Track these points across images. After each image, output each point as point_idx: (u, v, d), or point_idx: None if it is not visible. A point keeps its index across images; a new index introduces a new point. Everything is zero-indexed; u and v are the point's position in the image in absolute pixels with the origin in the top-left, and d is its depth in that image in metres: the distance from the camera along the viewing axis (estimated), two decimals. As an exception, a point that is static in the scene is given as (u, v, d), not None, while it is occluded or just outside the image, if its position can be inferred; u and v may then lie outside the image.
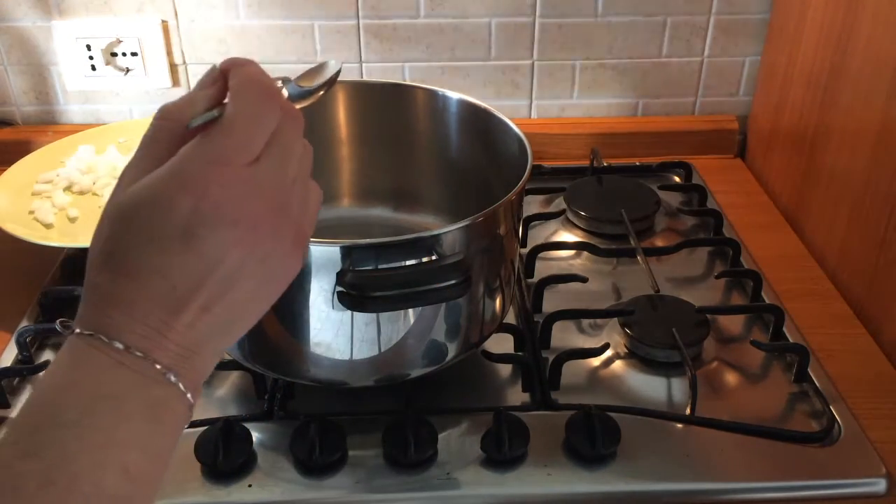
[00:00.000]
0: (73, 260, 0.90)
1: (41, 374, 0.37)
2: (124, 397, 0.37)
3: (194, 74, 1.12)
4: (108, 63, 1.10)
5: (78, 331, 0.38)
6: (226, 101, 0.42)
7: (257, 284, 0.41)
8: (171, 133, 0.41)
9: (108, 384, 0.37)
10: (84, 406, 0.36)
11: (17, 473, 0.34)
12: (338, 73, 0.49)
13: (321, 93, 0.48)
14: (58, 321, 0.76)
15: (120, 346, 0.37)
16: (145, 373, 0.38)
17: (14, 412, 0.73)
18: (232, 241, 0.39)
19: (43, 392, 0.37)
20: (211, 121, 0.40)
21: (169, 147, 0.41)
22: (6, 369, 0.75)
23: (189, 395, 0.39)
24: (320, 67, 0.51)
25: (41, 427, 0.35)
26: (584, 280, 0.85)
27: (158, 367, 0.38)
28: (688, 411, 0.71)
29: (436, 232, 0.60)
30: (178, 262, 0.38)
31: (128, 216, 0.39)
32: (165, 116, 0.42)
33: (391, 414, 0.69)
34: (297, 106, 0.45)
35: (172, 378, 0.38)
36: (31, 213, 0.92)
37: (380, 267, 0.59)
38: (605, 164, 1.08)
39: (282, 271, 0.42)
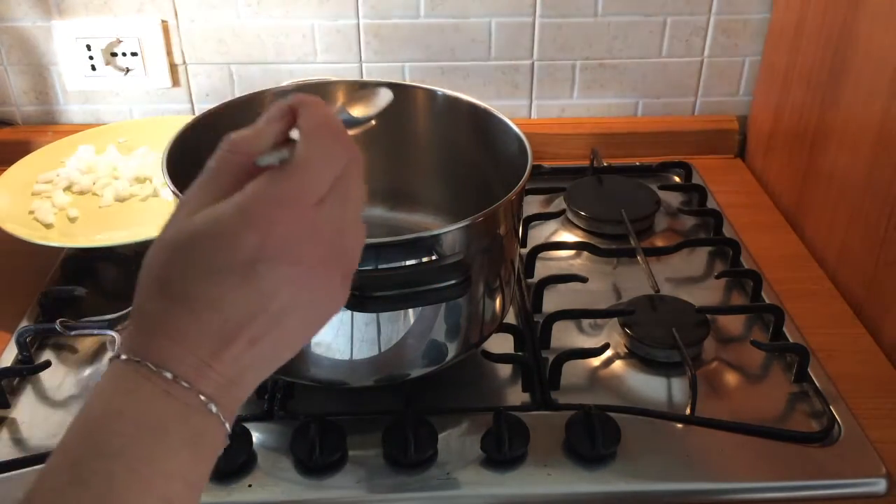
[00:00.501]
0: (73, 260, 0.90)
1: (88, 398, 0.39)
2: (169, 428, 0.37)
3: (194, 74, 1.12)
4: (108, 63, 1.10)
5: (124, 357, 0.38)
6: (293, 136, 0.42)
7: (304, 320, 0.41)
8: (238, 166, 0.41)
9: (155, 414, 0.37)
10: (130, 436, 0.36)
11: (66, 499, 0.34)
12: (390, 102, 0.50)
13: (372, 122, 0.48)
14: (58, 321, 0.78)
15: (168, 375, 0.37)
16: (189, 402, 0.38)
17: (14, 412, 0.73)
18: (288, 280, 0.39)
19: (89, 418, 0.37)
20: (281, 161, 0.40)
21: (235, 180, 0.41)
22: (6, 369, 0.75)
23: (227, 425, 0.40)
24: (372, 93, 0.51)
25: (88, 455, 0.36)
26: (584, 280, 0.85)
27: (202, 397, 0.38)
28: (688, 411, 0.71)
29: (436, 232, 0.60)
30: (235, 297, 0.38)
31: (189, 246, 0.39)
32: (233, 149, 0.42)
33: (391, 414, 0.69)
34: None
35: (213, 409, 0.39)
36: (31, 213, 0.92)
37: (380, 267, 0.59)
38: (605, 164, 1.08)
39: (328, 307, 0.43)
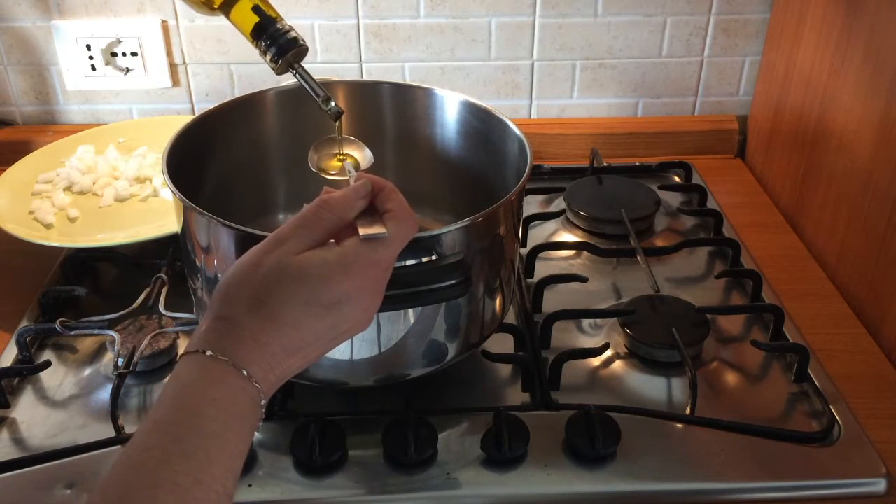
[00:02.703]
0: (73, 260, 0.90)
1: (171, 381, 0.47)
2: (248, 416, 0.47)
3: (194, 74, 1.12)
4: (108, 63, 1.10)
5: (210, 353, 0.47)
6: (382, 206, 0.54)
7: (343, 341, 0.53)
8: (332, 223, 0.52)
9: (239, 405, 0.46)
10: (223, 421, 0.45)
11: (174, 471, 0.42)
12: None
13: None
14: (58, 321, 0.78)
15: (245, 373, 0.47)
16: (254, 397, 0.47)
17: (14, 412, 0.73)
18: (354, 319, 0.51)
19: (185, 402, 0.45)
20: (378, 236, 0.52)
21: (327, 233, 0.52)
22: (6, 369, 0.75)
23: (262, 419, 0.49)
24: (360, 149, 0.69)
25: (190, 433, 0.43)
26: (584, 280, 0.85)
27: (262, 395, 0.48)
28: (688, 411, 0.71)
29: (436, 232, 0.60)
30: (316, 325, 0.50)
31: (294, 278, 0.49)
32: (329, 209, 0.53)
33: (391, 414, 0.69)
34: None
35: (263, 403, 0.48)
36: (31, 213, 0.92)
37: (380, 267, 0.59)
38: (605, 164, 1.08)
39: (356, 334, 0.54)
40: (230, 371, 0.46)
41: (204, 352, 0.47)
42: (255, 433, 0.48)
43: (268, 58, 0.66)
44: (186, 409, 0.45)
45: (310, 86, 0.67)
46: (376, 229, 0.52)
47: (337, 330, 0.51)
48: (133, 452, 0.43)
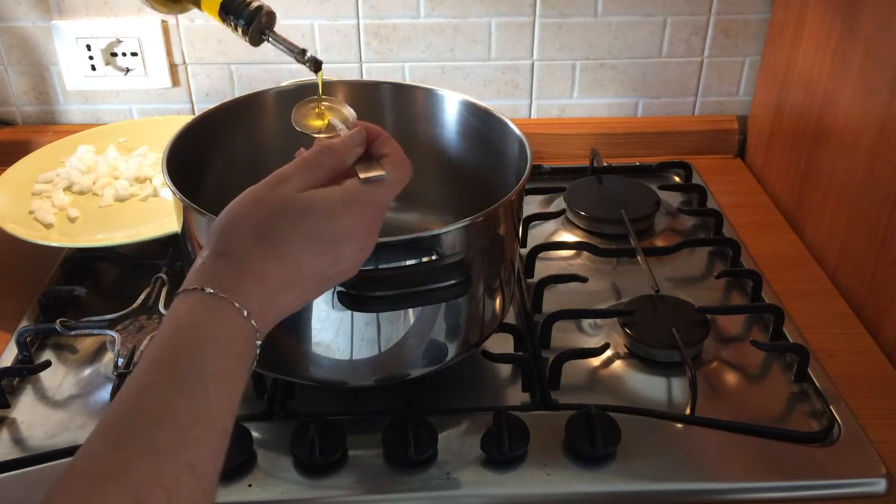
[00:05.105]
0: (73, 260, 0.90)
1: (168, 319, 0.46)
2: (244, 356, 0.47)
3: (194, 74, 1.12)
4: (108, 63, 1.10)
5: (210, 290, 0.46)
6: (378, 151, 0.57)
7: (334, 282, 0.54)
8: (332, 167, 0.55)
9: (237, 344, 0.46)
10: (220, 361, 0.45)
11: (174, 410, 0.41)
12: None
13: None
14: (58, 321, 0.78)
15: (245, 312, 0.46)
16: (250, 336, 0.47)
17: (14, 412, 0.73)
18: (350, 256, 0.52)
19: (183, 340, 0.45)
20: (377, 178, 0.55)
21: (328, 177, 0.54)
22: (6, 369, 0.75)
23: (257, 355, 0.49)
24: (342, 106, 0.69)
25: (189, 372, 0.43)
26: (584, 280, 0.85)
27: (258, 334, 0.47)
28: (688, 411, 0.71)
29: (436, 232, 0.60)
30: (316, 261, 0.50)
31: (299, 213, 0.50)
32: (329, 154, 0.55)
33: (391, 414, 0.69)
34: None
35: (258, 343, 0.48)
36: (31, 213, 0.92)
37: (380, 267, 0.59)
38: (605, 164, 1.08)
39: (351, 274, 0.54)
40: (229, 309, 0.46)
41: (203, 289, 0.46)
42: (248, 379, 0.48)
43: (239, 32, 0.69)
44: (184, 348, 0.44)
45: (285, 45, 0.69)
46: (375, 172, 0.55)
47: (334, 269, 0.52)
48: (130, 393, 0.42)
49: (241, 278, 0.47)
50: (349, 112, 0.69)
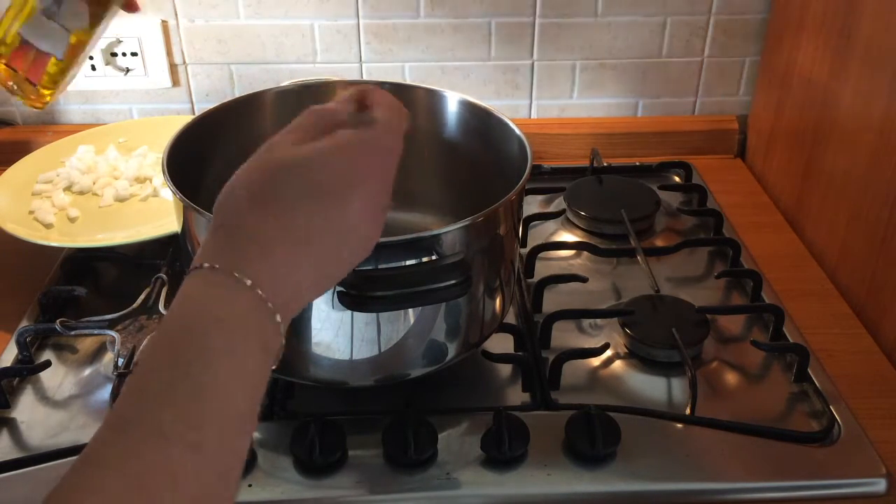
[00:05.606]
0: (73, 260, 0.90)
1: (175, 300, 0.44)
2: (253, 334, 0.43)
3: (194, 74, 1.12)
4: (108, 63, 1.10)
5: (207, 265, 0.44)
6: (369, 101, 0.53)
7: (350, 251, 0.49)
8: (323, 128, 0.50)
9: (246, 323, 0.43)
10: (226, 338, 0.42)
11: (177, 389, 0.39)
12: None
13: None
14: (58, 321, 0.78)
15: (249, 282, 0.43)
16: (260, 310, 0.43)
17: (14, 412, 0.73)
18: (362, 213, 0.48)
19: (189, 323, 0.42)
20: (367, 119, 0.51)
21: (321, 134, 0.50)
22: (6, 369, 0.75)
23: (283, 337, 0.45)
24: None
25: (190, 350, 0.41)
26: (584, 280, 0.85)
27: (270, 305, 0.44)
28: (688, 411, 0.71)
29: (436, 232, 0.60)
30: (322, 217, 0.46)
31: (289, 167, 0.47)
32: (318, 113, 0.52)
33: (391, 414, 0.69)
34: None
35: (278, 318, 0.44)
36: (31, 213, 0.92)
37: (380, 267, 0.59)
38: (605, 164, 1.08)
39: (367, 242, 0.50)
40: (230, 282, 0.43)
41: (202, 266, 0.44)
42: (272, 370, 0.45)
43: None
44: (187, 328, 0.42)
45: None
46: (362, 116, 0.53)
47: (345, 224, 0.47)
48: (136, 377, 0.41)
49: (238, 246, 0.45)
50: None
